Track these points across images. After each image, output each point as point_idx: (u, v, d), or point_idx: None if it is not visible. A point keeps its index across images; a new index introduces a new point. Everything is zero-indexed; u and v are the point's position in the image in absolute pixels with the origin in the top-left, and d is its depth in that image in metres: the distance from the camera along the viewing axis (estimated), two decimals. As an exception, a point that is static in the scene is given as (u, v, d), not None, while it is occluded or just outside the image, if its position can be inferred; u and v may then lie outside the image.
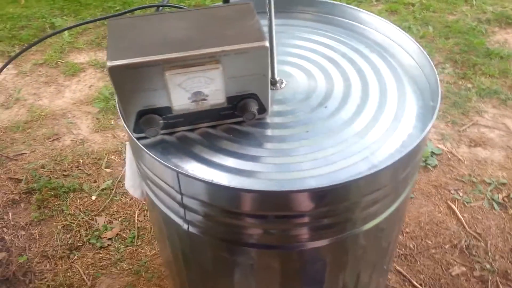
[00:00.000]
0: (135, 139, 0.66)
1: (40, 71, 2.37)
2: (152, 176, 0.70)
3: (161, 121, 0.67)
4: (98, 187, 1.73)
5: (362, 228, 0.74)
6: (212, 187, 0.63)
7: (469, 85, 2.24)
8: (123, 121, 0.67)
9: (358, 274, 0.88)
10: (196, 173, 0.64)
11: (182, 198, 0.67)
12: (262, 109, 0.71)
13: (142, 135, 0.67)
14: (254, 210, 0.66)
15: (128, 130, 0.66)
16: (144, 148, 0.64)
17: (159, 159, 0.62)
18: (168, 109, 0.66)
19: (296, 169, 0.66)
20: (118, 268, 1.48)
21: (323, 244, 0.72)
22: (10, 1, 2.98)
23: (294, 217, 0.67)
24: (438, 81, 0.73)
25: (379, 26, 0.90)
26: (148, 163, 0.69)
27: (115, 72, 0.59)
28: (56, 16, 2.81)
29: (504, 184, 1.75)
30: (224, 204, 0.66)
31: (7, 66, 2.35)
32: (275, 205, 0.66)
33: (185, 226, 0.71)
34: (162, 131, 0.68)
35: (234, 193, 0.64)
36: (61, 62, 2.43)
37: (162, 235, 0.85)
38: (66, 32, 2.59)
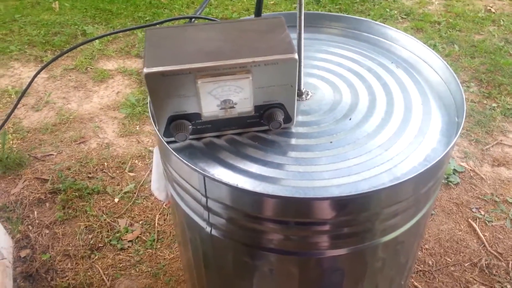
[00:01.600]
0: (165, 143, 0.69)
1: (70, 76, 2.46)
2: (179, 179, 0.73)
3: (190, 127, 0.69)
4: (121, 190, 1.77)
5: (381, 240, 0.74)
6: (237, 191, 0.65)
7: (494, 105, 2.22)
8: (154, 125, 0.70)
9: (376, 286, 0.88)
10: (222, 177, 0.67)
11: (207, 201, 0.69)
12: (288, 119, 0.73)
13: (172, 139, 0.70)
14: (276, 216, 0.67)
15: (158, 134, 0.69)
16: (174, 152, 0.66)
17: (187, 163, 0.65)
18: (198, 115, 0.68)
19: (319, 177, 0.68)
20: (137, 270, 1.51)
21: (342, 253, 0.73)
22: (46, 8, 3.10)
23: (315, 225, 0.68)
24: (464, 97, 0.74)
25: (405, 43, 0.91)
26: (176, 166, 0.72)
27: (151, 79, 0.62)
28: (88, 24, 2.91)
29: (527, 205, 1.72)
30: (247, 209, 0.67)
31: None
32: (297, 211, 0.67)
33: (208, 229, 0.74)
34: (191, 136, 0.71)
35: (258, 198, 0.66)
36: (91, 68, 2.51)
37: (184, 238, 0.87)
38: (97, 40, 2.68)
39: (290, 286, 0.79)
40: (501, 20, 2.93)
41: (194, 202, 0.73)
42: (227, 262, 0.78)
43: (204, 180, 0.66)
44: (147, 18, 2.97)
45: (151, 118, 0.71)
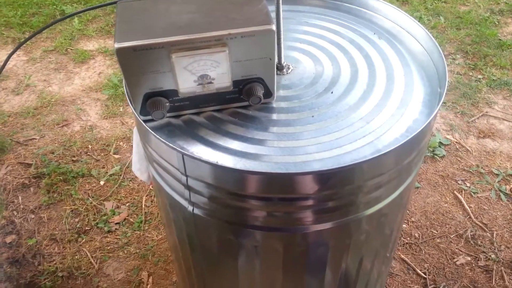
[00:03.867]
0: (141, 121, 0.67)
1: (50, 57, 2.39)
2: (158, 158, 0.71)
3: (168, 104, 0.67)
4: (107, 172, 1.75)
5: (365, 213, 0.74)
6: (217, 169, 0.64)
7: (480, 76, 2.22)
8: (130, 104, 0.68)
9: (361, 260, 0.88)
10: (202, 155, 0.65)
11: (187, 180, 0.68)
12: (268, 94, 0.71)
13: (149, 117, 0.68)
14: (258, 192, 0.66)
15: (135, 112, 0.67)
16: (150, 130, 0.64)
17: (165, 141, 0.63)
18: (175, 92, 0.66)
19: (301, 152, 0.66)
20: (125, 252, 1.50)
21: (326, 227, 0.73)
22: (21, -12, 3.00)
23: (298, 200, 0.68)
24: (446, 67, 0.72)
25: (387, 13, 0.89)
26: (154, 146, 0.70)
27: (122, 54, 0.60)
28: (66, 3, 2.82)
29: (511, 175, 1.75)
30: (228, 186, 0.66)
31: (18, 53, 2.37)
32: (280, 187, 0.66)
33: (190, 208, 0.72)
34: (168, 114, 0.69)
35: (239, 175, 0.65)
36: (71, 49, 2.44)
37: (168, 218, 0.86)
38: (76, 19, 2.61)
39: (276, 262, 0.79)
40: (487, -9, 2.91)
41: (175, 181, 0.72)
42: (211, 240, 0.78)
43: (183, 159, 0.65)
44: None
45: (126, 96, 0.69)
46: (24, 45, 2.41)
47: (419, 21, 2.54)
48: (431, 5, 2.76)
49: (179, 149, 0.63)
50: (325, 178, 0.65)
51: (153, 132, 0.64)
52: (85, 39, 2.52)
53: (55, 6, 2.78)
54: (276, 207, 0.70)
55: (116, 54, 0.59)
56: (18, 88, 2.19)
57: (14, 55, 2.31)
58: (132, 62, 0.61)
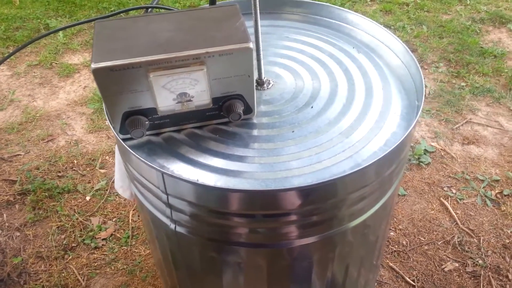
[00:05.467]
0: (120, 140, 0.66)
1: (34, 72, 2.38)
2: (139, 177, 0.71)
3: (147, 122, 0.67)
4: (93, 187, 1.74)
5: (349, 225, 0.74)
6: (197, 187, 0.64)
7: (463, 84, 2.25)
8: (109, 123, 0.67)
9: (346, 269, 0.88)
10: (182, 173, 0.65)
11: (168, 198, 0.68)
12: (248, 110, 0.71)
13: (128, 136, 0.68)
14: (240, 210, 0.66)
15: (114, 132, 0.67)
16: (130, 149, 0.64)
17: (144, 160, 0.63)
18: (154, 110, 0.66)
19: (282, 168, 0.67)
20: (113, 268, 1.48)
21: (311, 241, 0.73)
22: (5, 2, 2.99)
23: (281, 216, 0.68)
24: (423, 80, 0.73)
25: (366, 27, 0.90)
26: (135, 164, 0.70)
27: (99, 74, 0.60)
28: (51, 17, 2.81)
29: (497, 181, 1.76)
30: (209, 204, 0.66)
31: (1, 67, 2.34)
32: (262, 204, 0.66)
33: (172, 226, 0.72)
34: (148, 132, 0.69)
35: (220, 193, 0.64)
36: (56, 63, 2.43)
37: (152, 236, 0.86)
38: (60, 33, 2.60)
39: (260, 278, 0.79)
40: (468, 0, 2.97)
41: (156, 199, 0.71)
42: (194, 258, 0.77)
43: (163, 177, 0.64)
44: (112, 9, 2.89)
45: (106, 115, 0.69)
46: (8, 59, 2.39)
47: (402, 31, 2.54)
48: (413, 15, 2.80)
49: (158, 168, 0.63)
50: (306, 193, 0.66)
51: (132, 151, 0.64)
52: (70, 53, 2.51)
53: (39, 20, 2.77)
54: (258, 224, 0.70)
55: (93, 74, 0.59)
56: (2, 103, 2.17)
57: (-2, 71, 2.29)
58: (110, 81, 0.61)
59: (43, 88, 2.26)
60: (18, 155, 1.90)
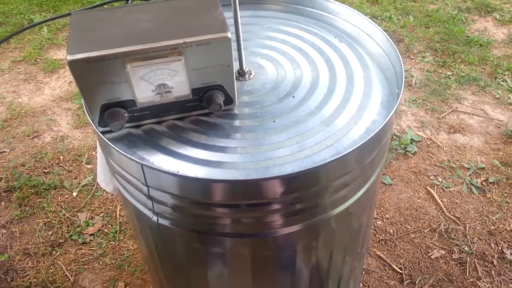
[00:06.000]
0: (99, 133, 0.66)
1: (19, 68, 2.35)
2: (120, 170, 0.70)
3: (126, 114, 0.67)
4: (79, 183, 1.73)
5: (332, 213, 0.75)
6: (178, 178, 0.64)
7: (449, 73, 2.27)
8: (87, 115, 0.67)
9: (331, 257, 0.89)
10: (163, 165, 0.65)
11: (148, 190, 0.67)
12: (229, 100, 0.71)
13: (108, 128, 0.67)
14: (222, 200, 0.66)
15: (93, 124, 0.66)
16: (109, 142, 0.64)
17: (123, 152, 0.62)
18: (133, 102, 0.66)
19: (264, 158, 0.67)
20: (101, 263, 1.48)
21: (295, 230, 0.73)
22: (-13, -3, 2.94)
23: (263, 205, 0.68)
24: (403, 68, 0.74)
25: (347, 16, 0.90)
26: (115, 157, 0.69)
27: (75, 66, 0.59)
28: (35, 12, 2.77)
29: (482, 168, 1.78)
30: (191, 195, 0.66)
31: (-17, 64, 2.30)
32: (244, 194, 0.66)
33: (154, 218, 0.72)
34: (128, 124, 0.68)
35: (201, 184, 0.64)
36: (40, 59, 2.40)
37: (136, 230, 0.85)
38: (45, 28, 2.56)
39: (245, 267, 0.79)
40: (454, -11, 2.98)
41: (137, 192, 0.71)
42: (178, 250, 0.77)
43: (143, 169, 0.64)
44: (97, 2, 2.85)
45: (84, 107, 0.68)
46: (-9, 56, 2.35)
47: (388, 21, 2.55)
48: (400, 5, 2.81)
49: (137, 160, 0.62)
50: (288, 182, 0.66)
51: (111, 144, 0.63)
52: (54, 48, 2.48)
53: (23, 15, 2.73)
54: (241, 214, 0.70)
55: (69, 66, 0.59)
56: (-14, 100, 2.15)
57: (-19, 67, 2.26)
58: (86, 73, 0.60)
59: (28, 84, 2.24)
60: (3, 152, 1.88)
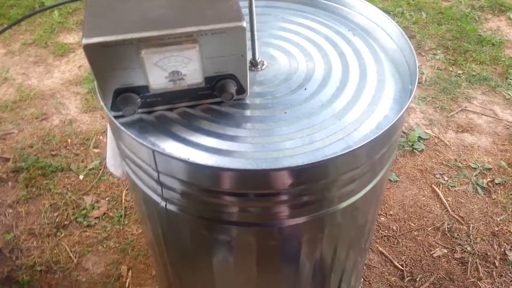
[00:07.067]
0: (112, 117, 0.66)
1: (29, 51, 2.35)
2: (130, 154, 0.71)
3: (139, 100, 0.67)
4: (86, 167, 1.74)
5: (339, 206, 0.75)
6: (188, 165, 0.64)
7: (460, 72, 2.25)
8: (100, 100, 0.67)
9: (335, 251, 0.89)
10: (174, 151, 0.65)
11: (158, 176, 0.68)
12: (241, 90, 0.71)
13: (120, 113, 0.67)
14: (230, 189, 0.67)
15: (105, 109, 0.67)
16: (121, 126, 0.64)
17: (135, 137, 0.63)
18: (146, 88, 0.66)
19: (273, 148, 0.67)
20: (105, 246, 1.49)
21: (300, 222, 0.74)
22: (-1, -22, 2.93)
23: (271, 196, 0.68)
24: (417, 64, 0.73)
25: (362, 10, 0.89)
26: (126, 142, 0.70)
27: (90, 50, 0.59)
28: (46, -6, 2.77)
29: (489, 169, 1.78)
30: (200, 183, 0.66)
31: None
32: (252, 183, 0.67)
33: (163, 204, 0.72)
34: (140, 110, 0.69)
35: (210, 172, 0.65)
36: (51, 42, 2.40)
37: (143, 214, 0.86)
38: (56, 12, 2.56)
39: (250, 256, 0.80)
40: (468, -13, 2.94)
41: (147, 177, 0.71)
42: (185, 236, 0.78)
43: (154, 155, 0.64)
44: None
45: (97, 92, 0.68)
46: (3, 37, 2.36)
47: (401, 17, 2.52)
48: (413, 0, 2.78)
49: (149, 145, 0.63)
50: (297, 174, 0.66)
51: (123, 128, 0.64)
52: (65, 32, 2.48)
53: (34, -3, 2.73)
54: (249, 203, 0.70)
55: (84, 50, 0.59)
56: (-4, 81, 2.16)
57: (-8, 47, 2.26)
58: (101, 58, 0.60)
59: (38, 67, 2.24)
60: (12, 133, 1.89)
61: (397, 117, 0.65)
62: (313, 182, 0.69)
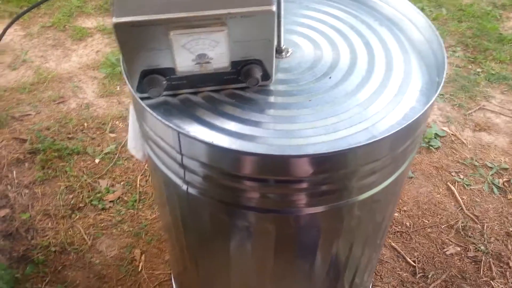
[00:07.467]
0: (137, 98, 0.66)
1: (47, 34, 2.37)
2: (154, 136, 0.71)
3: (165, 82, 0.67)
4: (102, 151, 1.75)
5: (357, 198, 0.75)
6: (212, 148, 0.64)
7: (479, 70, 2.22)
8: (126, 80, 0.67)
9: (351, 246, 0.89)
10: (197, 135, 0.65)
11: (182, 159, 0.68)
12: (266, 76, 0.71)
13: (145, 95, 0.68)
14: (252, 174, 0.67)
15: (131, 89, 0.67)
16: (147, 107, 0.64)
17: (161, 119, 0.63)
18: (172, 70, 0.66)
19: (297, 135, 0.67)
20: (119, 229, 1.51)
21: (319, 211, 0.74)
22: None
23: (292, 182, 0.68)
24: (445, 56, 0.72)
25: (389, 0, 0.88)
26: (150, 123, 0.70)
27: (120, 29, 0.59)
28: (66, -22, 2.78)
29: (505, 169, 1.76)
30: (223, 166, 0.66)
31: (15, 27, 2.34)
32: (274, 169, 0.66)
33: (184, 187, 0.73)
34: (165, 93, 0.69)
35: (233, 156, 0.65)
36: (69, 26, 2.41)
37: (162, 197, 0.86)
38: (73, -5, 2.57)
39: (267, 243, 0.80)
40: (491, -16, 2.89)
41: (170, 159, 0.72)
42: (204, 220, 0.78)
43: (179, 137, 0.65)
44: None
45: (123, 72, 0.68)
46: (22, 20, 2.38)
47: (421, 11, 2.46)
48: (434, -4, 2.74)
49: (175, 127, 0.63)
50: (319, 161, 0.66)
51: (149, 110, 0.64)
52: (83, 16, 2.49)
53: (54, -19, 2.74)
54: (269, 189, 0.70)
55: (114, 29, 0.59)
56: (14, 63, 2.17)
57: (11, 30, 2.28)
58: (130, 38, 0.60)
59: (56, 50, 2.26)
60: (29, 114, 1.91)
61: (425, 108, 0.65)
62: (334, 171, 0.68)
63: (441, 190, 1.69)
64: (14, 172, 1.68)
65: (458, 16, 2.58)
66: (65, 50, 2.26)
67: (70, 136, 1.81)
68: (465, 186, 1.70)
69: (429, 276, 1.43)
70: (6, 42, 2.28)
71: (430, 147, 1.83)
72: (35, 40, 2.32)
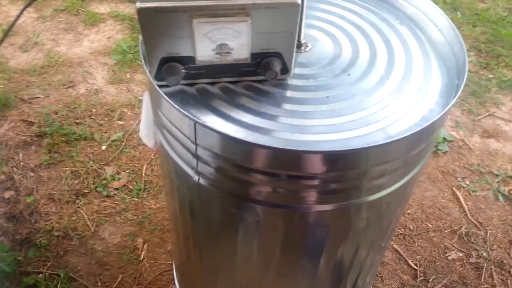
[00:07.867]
0: (155, 85, 0.66)
1: (60, 17, 2.36)
2: (169, 125, 0.71)
3: (183, 71, 0.67)
4: (109, 138, 1.75)
5: (366, 199, 0.74)
6: (227, 140, 0.64)
7: (491, 76, 2.20)
8: (144, 67, 0.67)
9: (357, 247, 0.89)
10: (213, 125, 0.65)
11: (196, 149, 0.68)
12: (285, 70, 0.70)
13: (163, 83, 0.67)
14: (264, 167, 0.66)
15: (149, 76, 0.66)
16: (164, 95, 0.64)
17: (178, 108, 0.62)
18: (192, 59, 0.65)
19: (312, 131, 0.66)
20: (122, 217, 1.51)
21: (327, 209, 0.73)
22: None
23: (303, 178, 0.68)
24: (467, 59, 0.71)
25: (411, -1, 0.87)
26: (166, 112, 0.70)
27: (143, 14, 0.59)
28: (79, -37, 2.77)
29: (511, 177, 1.75)
30: (236, 158, 0.66)
31: (28, 9, 2.33)
32: (287, 164, 0.66)
33: (195, 178, 0.72)
34: (183, 81, 0.68)
35: (247, 148, 0.64)
36: (82, 10, 2.41)
37: (172, 186, 0.86)
38: (88, -20, 2.56)
39: (274, 238, 0.80)
40: (507, -10, 2.86)
41: (183, 149, 0.71)
42: (213, 212, 0.78)
43: (195, 127, 0.64)
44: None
45: (142, 58, 0.68)
46: (35, 2, 2.37)
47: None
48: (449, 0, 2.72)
49: (192, 117, 0.62)
50: (332, 159, 0.65)
51: (167, 98, 0.63)
52: (97, 2, 2.48)
53: (68, -35, 2.73)
54: (280, 184, 0.70)
55: (137, 14, 0.58)
56: (26, 45, 2.17)
57: (24, 12, 2.28)
58: (153, 23, 0.60)
59: (68, 34, 2.25)
60: (38, 97, 1.91)
61: (444, 110, 0.64)
62: (346, 170, 0.68)
63: (446, 194, 1.68)
64: (21, 155, 1.68)
65: (473, 21, 2.56)
66: (77, 34, 2.26)
67: (78, 121, 1.81)
68: (471, 192, 1.69)
69: (430, 280, 1.43)
70: (18, 23, 2.28)
71: (438, 151, 1.82)
72: (48, 23, 2.31)
